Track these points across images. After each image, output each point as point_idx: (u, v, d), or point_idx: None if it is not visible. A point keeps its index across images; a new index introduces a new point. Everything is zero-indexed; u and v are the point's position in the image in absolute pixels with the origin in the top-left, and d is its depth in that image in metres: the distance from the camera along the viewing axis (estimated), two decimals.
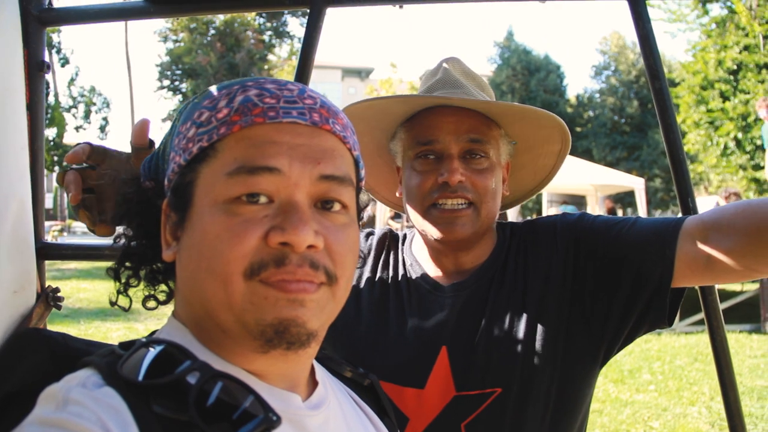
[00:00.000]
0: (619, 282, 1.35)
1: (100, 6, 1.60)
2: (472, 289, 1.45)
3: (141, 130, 1.13)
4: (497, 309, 1.41)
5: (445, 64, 1.52)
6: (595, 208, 19.22)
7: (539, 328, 1.38)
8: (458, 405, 1.36)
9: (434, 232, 1.41)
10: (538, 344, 1.37)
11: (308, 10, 1.53)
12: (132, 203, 0.94)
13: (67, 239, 24.35)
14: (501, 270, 1.46)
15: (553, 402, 1.37)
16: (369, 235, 1.64)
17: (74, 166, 1.15)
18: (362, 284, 1.54)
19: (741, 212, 1.23)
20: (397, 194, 1.57)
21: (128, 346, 0.80)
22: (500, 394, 1.35)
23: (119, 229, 1.00)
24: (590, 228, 1.42)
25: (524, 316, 1.39)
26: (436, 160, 1.42)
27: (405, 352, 1.41)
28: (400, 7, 1.57)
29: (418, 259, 1.54)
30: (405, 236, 1.62)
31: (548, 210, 22.55)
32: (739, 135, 15.48)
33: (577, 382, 1.41)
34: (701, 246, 1.26)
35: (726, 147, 15.83)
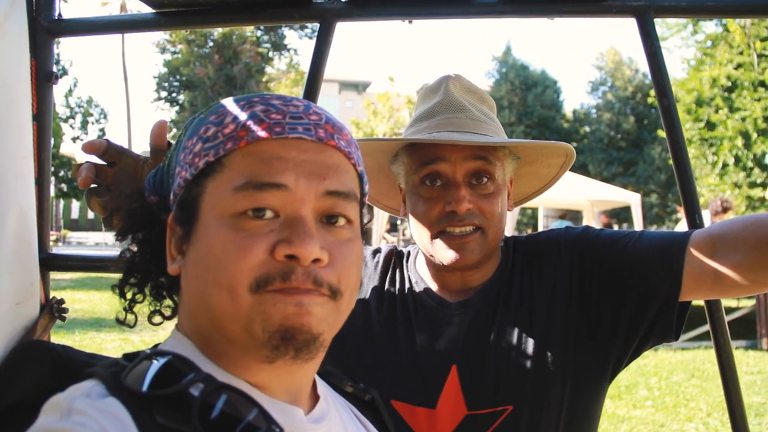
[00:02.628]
0: (626, 297, 1.35)
1: (109, 18, 1.61)
2: (478, 306, 1.44)
3: (159, 131, 1.14)
4: (505, 325, 1.40)
5: (445, 84, 1.48)
6: (591, 223, 19.26)
7: (547, 343, 1.37)
8: (470, 424, 1.35)
9: (443, 259, 1.39)
10: (547, 360, 1.36)
11: (317, 25, 1.54)
12: (136, 218, 0.94)
13: (62, 249, 24.27)
14: (506, 286, 1.45)
15: (565, 417, 1.36)
16: (375, 252, 1.62)
17: (90, 159, 1.16)
18: (370, 303, 1.52)
19: (749, 226, 1.24)
20: (402, 214, 1.56)
21: (132, 358, 0.81)
22: (512, 412, 1.34)
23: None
24: (595, 242, 1.42)
25: (532, 332, 1.38)
26: (442, 187, 1.39)
27: (415, 371, 1.40)
28: (410, 22, 1.58)
29: (423, 276, 1.53)
30: (408, 253, 1.61)
31: (544, 224, 22.62)
32: (741, 152, 15.47)
33: (588, 397, 1.40)
34: (709, 260, 1.26)
35: (726, 164, 15.81)
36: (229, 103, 0.88)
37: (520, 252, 1.50)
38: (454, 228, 1.38)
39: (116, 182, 1.16)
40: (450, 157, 1.38)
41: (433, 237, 1.40)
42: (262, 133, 0.83)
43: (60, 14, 1.54)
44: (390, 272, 1.57)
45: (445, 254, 1.39)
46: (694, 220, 1.43)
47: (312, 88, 1.53)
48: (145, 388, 0.74)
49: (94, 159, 1.18)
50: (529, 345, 1.37)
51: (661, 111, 1.42)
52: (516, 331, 1.39)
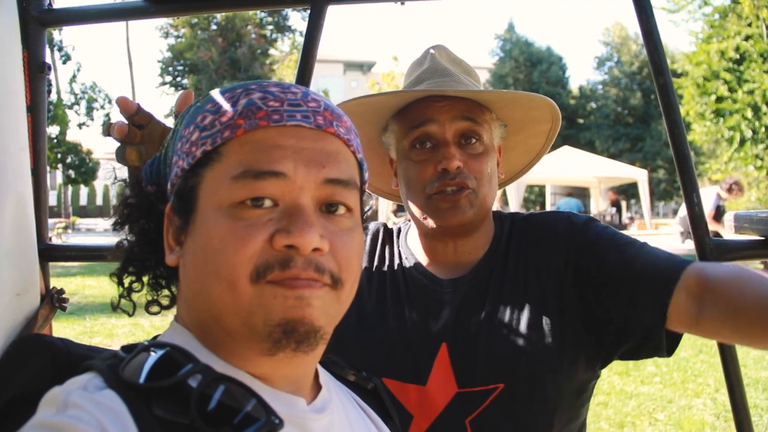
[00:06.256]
0: (615, 310, 1.33)
1: (100, 6, 1.60)
2: (471, 284, 1.43)
3: (185, 99, 1.18)
4: (497, 304, 1.40)
5: (431, 51, 1.50)
6: (599, 200, 19.21)
7: (540, 324, 1.37)
8: (461, 401, 1.35)
9: (436, 218, 1.40)
10: (539, 341, 1.36)
11: (310, 7, 1.52)
12: (133, 208, 0.93)
13: (71, 237, 24.44)
14: (501, 264, 1.45)
15: (558, 398, 1.36)
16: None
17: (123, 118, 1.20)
18: (361, 281, 1.51)
19: (743, 286, 1.18)
20: (393, 186, 1.55)
21: (130, 350, 0.80)
22: (503, 390, 1.34)
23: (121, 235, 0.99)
24: (593, 245, 1.38)
25: (525, 312, 1.38)
26: (432, 149, 1.40)
27: (405, 348, 1.41)
28: (402, 3, 1.56)
29: (414, 252, 1.52)
30: (399, 230, 1.61)
31: (551, 201, 22.53)
32: (756, 123, 15.26)
33: (580, 378, 1.40)
34: (694, 304, 1.23)
35: (744, 138, 15.60)
36: (225, 90, 0.87)
37: (516, 231, 1.49)
38: (447, 187, 1.37)
39: (144, 145, 1.19)
40: (439, 117, 1.39)
41: (427, 199, 1.40)
42: (260, 121, 0.81)
43: (50, 3, 1.53)
44: (379, 249, 1.57)
45: (438, 214, 1.39)
46: (692, 200, 1.42)
47: (305, 72, 1.52)
48: (142, 379, 0.74)
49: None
50: (522, 325, 1.37)
51: (657, 89, 1.40)
52: (508, 310, 1.39)
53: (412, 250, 1.53)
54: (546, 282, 1.40)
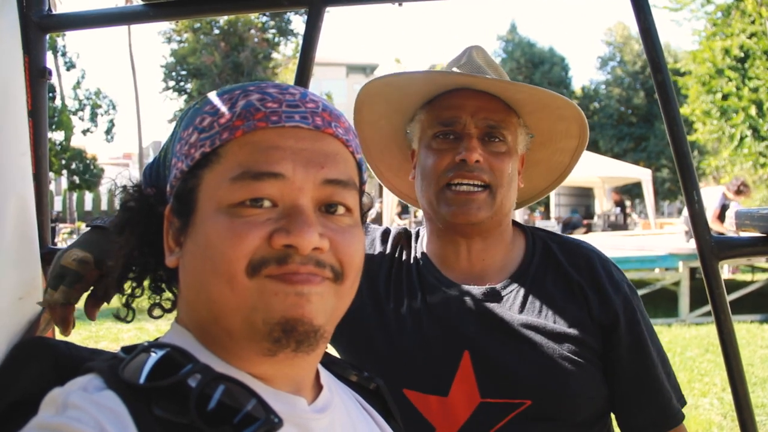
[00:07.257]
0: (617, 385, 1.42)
1: (99, 11, 1.60)
2: (497, 293, 1.42)
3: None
4: (527, 319, 1.38)
5: (470, 51, 1.50)
6: (603, 200, 19.18)
7: (568, 348, 1.35)
8: (485, 412, 1.33)
9: (446, 213, 1.39)
10: (567, 365, 1.34)
11: (307, 10, 1.52)
12: (133, 211, 0.94)
13: None
14: (532, 281, 1.43)
15: (584, 415, 1.36)
16: (385, 234, 1.60)
17: None
18: (380, 290, 1.49)
19: None
20: (411, 178, 1.54)
21: (131, 351, 0.81)
22: (530, 407, 1.31)
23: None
24: (631, 334, 1.41)
25: (555, 333, 1.36)
26: (454, 140, 1.40)
27: (426, 358, 1.38)
28: (399, 4, 1.56)
29: (431, 257, 1.51)
30: (418, 233, 1.59)
31: (555, 202, 22.48)
32: (759, 121, 15.20)
33: (605, 398, 1.41)
34: None
35: (743, 136, 15.54)
36: (224, 92, 0.87)
37: (551, 253, 1.48)
38: (461, 179, 1.37)
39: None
40: (466, 111, 1.40)
41: (439, 190, 1.40)
42: (258, 122, 0.82)
43: (50, 9, 1.54)
44: (397, 255, 1.55)
45: (449, 209, 1.38)
46: (692, 198, 1.41)
47: (303, 73, 1.52)
48: (142, 380, 0.75)
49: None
50: (550, 345, 1.35)
51: (656, 86, 1.40)
52: (538, 328, 1.37)
53: (428, 254, 1.51)
54: (583, 316, 1.39)
